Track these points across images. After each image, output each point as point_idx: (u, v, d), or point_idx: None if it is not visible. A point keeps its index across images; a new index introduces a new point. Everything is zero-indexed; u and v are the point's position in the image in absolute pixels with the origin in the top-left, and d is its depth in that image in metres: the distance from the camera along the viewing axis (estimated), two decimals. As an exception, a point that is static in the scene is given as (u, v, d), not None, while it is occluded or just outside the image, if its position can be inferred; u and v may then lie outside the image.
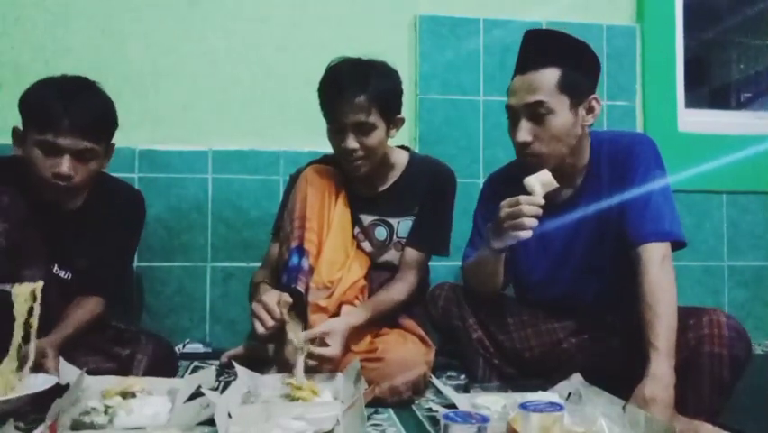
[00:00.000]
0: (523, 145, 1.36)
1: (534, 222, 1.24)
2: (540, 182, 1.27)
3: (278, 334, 1.44)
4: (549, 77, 1.33)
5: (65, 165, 1.38)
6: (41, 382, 1.20)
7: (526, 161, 1.37)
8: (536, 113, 1.34)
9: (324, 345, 1.41)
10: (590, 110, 1.38)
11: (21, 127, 1.45)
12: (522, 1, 2.29)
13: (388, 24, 2.21)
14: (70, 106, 1.38)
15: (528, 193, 1.26)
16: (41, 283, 1.21)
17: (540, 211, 1.25)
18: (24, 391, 1.17)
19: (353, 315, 1.50)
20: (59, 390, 1.17)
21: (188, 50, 2.11)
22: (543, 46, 1.37)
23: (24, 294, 1.19)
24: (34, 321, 1.19)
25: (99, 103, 1.46)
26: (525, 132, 1.35)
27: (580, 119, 1.37)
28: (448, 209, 1.71)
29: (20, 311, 1.18)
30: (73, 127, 1.37)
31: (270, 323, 1.41)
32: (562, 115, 1.34)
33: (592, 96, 1.38)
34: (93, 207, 1.56)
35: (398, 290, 1.62)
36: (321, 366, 1.41)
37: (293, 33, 2.17)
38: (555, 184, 1.28)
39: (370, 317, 1.53)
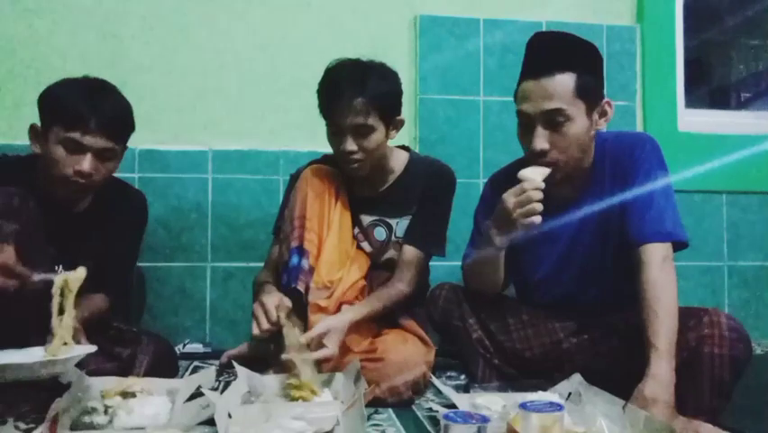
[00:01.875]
0: (540, 154, 1.33)
1: (541, 207, 1.25)
2: (539, 173, 1.28)
3: (278, 335, 1.44)
4: (566, 82, 1.30)
5: (87, 163, 1.41)
6: (79, 350, 1.25)
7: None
8: (554, 120, 1.31)
9: (322, 346, 1.41)
10: (603, 114, 1.37)
11: (38, 125, 1.47)
12: (522, 1, 2.29)
13: (388, 24, 2.21)
14: (97, 107, 1.41)
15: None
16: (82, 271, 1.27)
17: (542, 196, 1.25)
18: (68, 355, 1.21)
19: (351, 311, 1.50)
20: (59, 389, 1.17)
21: (188, 51, 2.12)
22: (556, 50, 1.35)
23: (59, 283, 1.25)
24: (66, 304, 1.25)
25: (121, 104, 1.50)
26: (542, 140, 1.32)
27: (594, 124, 1.36)
28: (446, 209, 1.71)
29: (56, 297, 1.24)
30: (99, 127, 1.41)
31: (266, 325, 1.41)
32: (579, 122, 1.32)
33: (605, 101, 1.37)
34: (98, 209, 1.57)
35: (397, 288, 1.62)
36: (321, 367, 1.41)
37: (293, 33, 2.17)
38: (547, 171, 1.29)
39: (369, 313, 1.53)
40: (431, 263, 1.74)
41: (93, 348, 1.26)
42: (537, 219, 1.25)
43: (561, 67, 1.31)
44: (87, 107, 1.40)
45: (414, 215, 1.67)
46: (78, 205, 1.54)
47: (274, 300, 1.44)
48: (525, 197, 1.24)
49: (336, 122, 1.54)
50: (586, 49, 1.37)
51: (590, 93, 1.33)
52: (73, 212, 1.54)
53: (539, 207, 1.24)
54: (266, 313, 1.42)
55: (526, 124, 1.35)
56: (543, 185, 1.26)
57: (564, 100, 1.30)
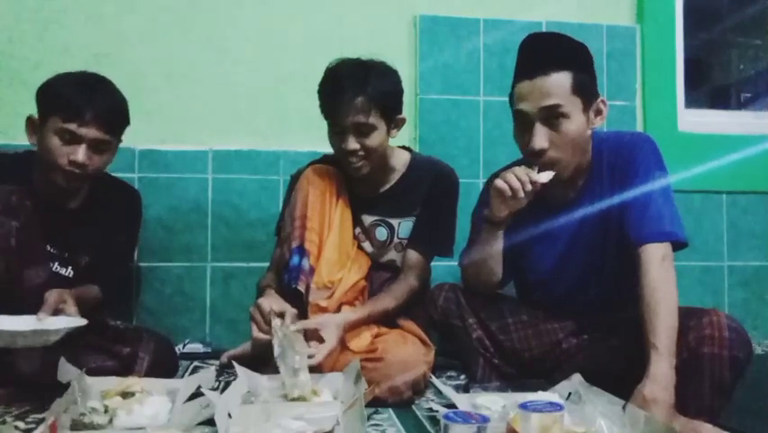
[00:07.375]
0: (539, 153, 1.33)
1: (528, 186, 1.30)
2: (545, 176, 1.33)
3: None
4: (562, 80, 1.31)
5: (81, 153, 1.45)
6: (67, 321, 1.29)
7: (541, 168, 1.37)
8: (552, 117, 1.32)
9: (320, 339, 1.41)
10: (598, 112, 1.38)
11: (35, 117, 1.50)
12: (522, 1, 2.29)
13: (388, 24, 2.21)
14: (93, 99, 1.45)
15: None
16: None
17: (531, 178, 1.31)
18: (58, 326, 1.25)
19: (352, 312, 1.51)
20: (59, 388, 1.17)
21: (188, 51, 2.11)
22: (550, 50, 1.35)
23: None
24: None
25: (116, 98, 1.54)
26: (542, 138, 1.33)
27: (590, 122, 1.37)
28: (450, 210, 1.71)
29: None
30: (94, 119, 1.45)
31: (265, 327, 1.41)
32: (576, 119, 1.33)
33: (600, 99, 1.38)
34: (92, 205, 1.59)
35: (399, 291, 1.62)
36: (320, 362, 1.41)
37: (293, 33, 2.17)
38: (552, 174, 1.35)
39: (369, 315, 1.53)
40: (431, 263, 1.74)
41: (83, 321, 1.29)
42: (523, 199, 1.32)
43: (556, 66, 1.32)
44: (84, 99, 1.44)
45: (417, 217, 1.67)
46: (73, 201, 1.56)
47: (270, 303, 1.44)
48: (513, 179, 1.32)
49: (338, 121, 1.54)
50: (578, 48, 1.38)
51: (586, 90, 1.34)
52: (68, 208, 1.55)
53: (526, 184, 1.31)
54: (263, 315, 1.42)
55: (524, 123, 1.36)
56: (541, 180, 1.32)
57: (562, 97, 1.31)
